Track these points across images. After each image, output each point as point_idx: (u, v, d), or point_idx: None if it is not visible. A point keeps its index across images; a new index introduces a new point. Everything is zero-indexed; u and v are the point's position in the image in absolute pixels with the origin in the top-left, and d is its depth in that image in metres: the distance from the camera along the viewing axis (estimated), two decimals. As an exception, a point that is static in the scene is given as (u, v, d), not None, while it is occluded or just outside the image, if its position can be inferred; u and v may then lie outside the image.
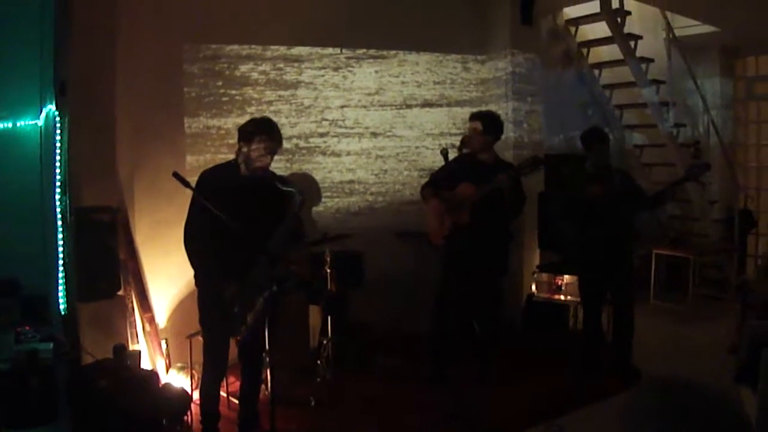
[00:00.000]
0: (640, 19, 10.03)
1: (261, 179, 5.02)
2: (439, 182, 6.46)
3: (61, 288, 4.92)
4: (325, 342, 6.85)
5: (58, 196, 4.90)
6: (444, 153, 6.04)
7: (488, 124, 6.37)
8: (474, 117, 6.45)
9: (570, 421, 5.69)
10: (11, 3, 5.07)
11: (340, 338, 6.96)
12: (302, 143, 7.87)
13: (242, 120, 6.70)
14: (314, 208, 7.95)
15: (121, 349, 5.43)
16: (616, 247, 6.32)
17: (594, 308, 6.62)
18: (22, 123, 5.06)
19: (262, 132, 4.98)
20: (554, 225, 6.89)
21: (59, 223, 4.92)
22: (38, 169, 5.09)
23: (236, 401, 5.58)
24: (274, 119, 7.15)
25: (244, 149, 4.99)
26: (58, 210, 4.90)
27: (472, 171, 6.26)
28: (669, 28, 9.99)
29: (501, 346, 6.91)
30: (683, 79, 10.28)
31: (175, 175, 4.65)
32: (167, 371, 6.30)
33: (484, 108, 7.80)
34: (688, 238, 10.27)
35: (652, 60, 9.88)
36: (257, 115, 6.66)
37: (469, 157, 6.45)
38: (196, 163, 6.76)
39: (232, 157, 5.16)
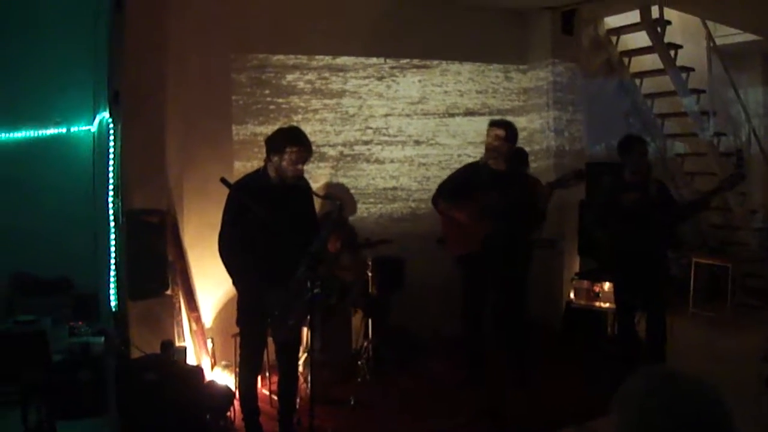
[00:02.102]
0: (681, 28, 10.05)
1: (292, 187, 5.18)
2: (453, 192, 6.59)
3: (112, 286, 5.14)
4: (366, 344, 7.02)
5: (110, 199, 5.12)
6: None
7: (510, 131, 6.48)
8: (496, 124, 6.57)
9: (603, 424, 5.75)
10: (66, 18, 5.30)
11: (381, 341, 7.13)
12: (347, 151, 8.01)
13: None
14: (357, 214, 8.08)
15: (168, 345, 5.65)
16: (649, 256, 6.35)
17: (628, 315, 6.65)
18: (76, 129, 5.27)
19: (293, 142, 5.05)
20: (590, 232, 6.96)
21: (111, 225, 5.13)
22: (90, 172, 5.30)
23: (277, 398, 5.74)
24: (319, 127, 7.44)
25: (275, 159, 5.07)
26: (111, 212, 5.11)
27: (488, 180, 6.37)
28: (709, 36, 10.00)
29: (539, 350, 7.03)
30: (724, 87, 10.28)
31: (223, 180, 4.88)
32: (212, 369, 6.50)
33: (525, 117, 7.95)
34: (728, 247, 10.25)
35: (692, 69, 9.88)
36: (303, 123, 6.90)
37: (482, 166, 6.58)
38: (243, 169, 6.84)
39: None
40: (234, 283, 5.22)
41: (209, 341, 6.66)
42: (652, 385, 1.87)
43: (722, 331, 8.64)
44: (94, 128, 5.22)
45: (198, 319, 6.67)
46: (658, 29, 9.31)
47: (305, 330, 5.95)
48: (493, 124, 6.60)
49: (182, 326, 6.57)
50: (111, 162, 5.12)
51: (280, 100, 7.58)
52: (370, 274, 7.01)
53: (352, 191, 8.00)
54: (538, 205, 6.32)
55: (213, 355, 6.62)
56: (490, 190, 6.27)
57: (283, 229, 4.92)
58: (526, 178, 6.52)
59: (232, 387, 6.03)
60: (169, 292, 6.48)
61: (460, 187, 6.54)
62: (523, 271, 6.64)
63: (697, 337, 8.21)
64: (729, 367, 6.62)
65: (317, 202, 5.68)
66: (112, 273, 5.14)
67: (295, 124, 7.25)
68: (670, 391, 1.83)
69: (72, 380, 4.36)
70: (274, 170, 5.13)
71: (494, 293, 6.44)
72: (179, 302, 6.58)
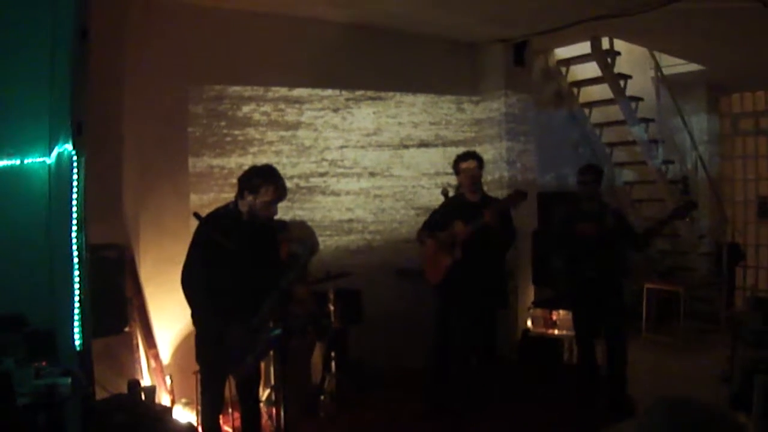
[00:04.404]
0: (630, 59, 10.21)
1: (261, 226, 5.12)
2: (434, 225, 6.62)
3: (76, 323, 4.96)
4: (327, 378, 6.93)
5: (74, 234, 4.95)
6: (444, 193, 6.21)
7: (481, 162, 6.60)
8: (468, 156, 6.61)
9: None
10: (20, 48, 5.14)
11: (342, 374, 7.05)
12: (303, 183, 7.94)
13: (245, 160, 6.87)
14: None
15: (135, 384, 5.50)
16: (608, 282, 6.46)
17: (587, 342, 6.72)
18: (31, 160, 5.10)
19: (269, 183, 4.97)
20: (547, 261, 7.01)
21: (75, 260, 4.96)
22: (45, 206, 5.13)
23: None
24: (275, 159, 7.35)
25: (249, 198, 4.98)
26: (74, 247, 4.95)
27: (462, 210, 6.42)
28: (657, 67, 10.22)
29: (497, 380, 7.01)
30: (671, 116, 10.54)
31: (195, 215, 4.79)
32: (172, 406, 6.35)
33: (478, 147, 7.96)
34: (678, 272, 10.44)
35: (641, 99, 10.10)
36: (259, 155, 6.83)
37: (459, 198, 6.63)
38: (199, 202, 6.82)
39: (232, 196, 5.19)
40: (193, 316, 5.09)
41: (168, 378, 6.51)
42: (673, 416, 1.85)
43: (676, 354, 8.79)
44: (51, 160, 5.04)
45: (156, 356, 6.54)
46: (608, 60, 9.44)
47: (263, 365, 5.87)
48: (464, 157, 6.62)
49: (140, 364, 6.43)
50: (75, 195, 4.95)
51: (236, 132, 7.47)
52: (332, 306, 6.93)
53: (309, 224, 7.91)
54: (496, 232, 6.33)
55: (172, 393, 6.47)
56: (460, 218, 6.30)
57: (249, 266, 4.84)
58: (499, 205, 6.49)
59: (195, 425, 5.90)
60: (127, 329, 6.34)
61: (440, 219, 6.56)
62: (496, 299, 6.67)
63: (653, 361, 8.30)
64: (688, 390, 6.72)
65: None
66: (76, 309, 4.95)
67: (251, 156, 7.21)
68: (691, 421, 1.81)
69: (40, 423, 4.18)
70: (246, 207, 5.03)
71: (464, 322, 6.41)
72: (137, 339, 6.43)
